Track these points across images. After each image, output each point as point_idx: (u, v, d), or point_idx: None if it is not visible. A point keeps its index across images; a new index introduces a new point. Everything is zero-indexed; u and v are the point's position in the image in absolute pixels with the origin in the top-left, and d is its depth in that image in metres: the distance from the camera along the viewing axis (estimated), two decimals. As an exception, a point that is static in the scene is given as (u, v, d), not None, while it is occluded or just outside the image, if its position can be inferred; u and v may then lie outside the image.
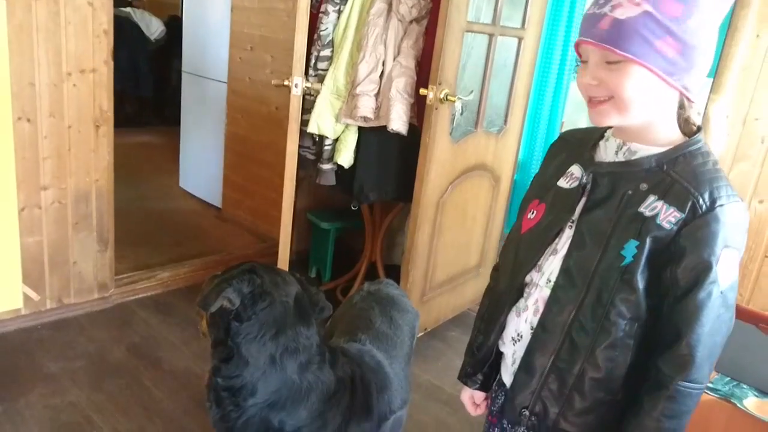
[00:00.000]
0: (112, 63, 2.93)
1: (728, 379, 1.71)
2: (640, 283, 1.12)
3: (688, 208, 1.08)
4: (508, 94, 3.16)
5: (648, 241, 1.10)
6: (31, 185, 2.77)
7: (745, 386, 1.68)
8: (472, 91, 2.83)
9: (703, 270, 1.08)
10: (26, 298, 2.78)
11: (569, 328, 1.18)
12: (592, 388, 1.17)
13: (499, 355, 1.40)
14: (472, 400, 1.49)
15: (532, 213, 1.30)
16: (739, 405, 1.59)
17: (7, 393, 2.46)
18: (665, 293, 1.12)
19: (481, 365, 1.43)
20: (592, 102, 1.14)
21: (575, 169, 1.25)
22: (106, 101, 2.95)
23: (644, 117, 1.12)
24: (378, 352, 1.80)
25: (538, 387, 1.22)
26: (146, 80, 6.62)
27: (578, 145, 1.28)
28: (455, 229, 3.12)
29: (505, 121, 3.20)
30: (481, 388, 1.46)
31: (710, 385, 1.68)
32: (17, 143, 2.64)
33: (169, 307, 3.28)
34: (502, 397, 1.44)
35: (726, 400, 1.62)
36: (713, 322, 1.09)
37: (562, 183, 1.26)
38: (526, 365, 1.24)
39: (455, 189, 2.99)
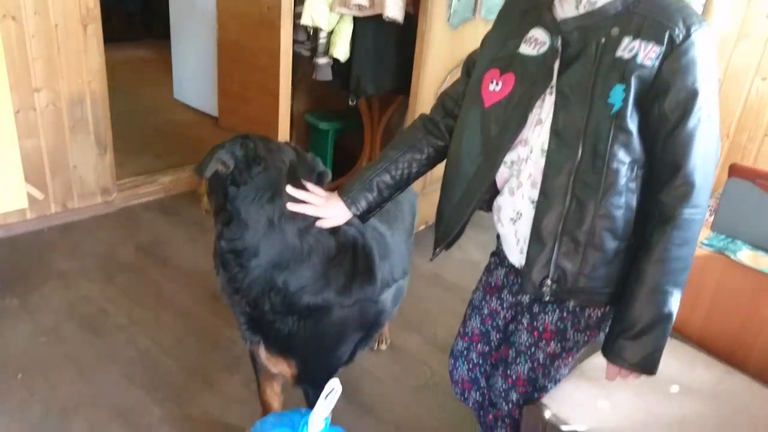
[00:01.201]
0: (94, -44, 2.82)
1: (723, 236, 1.75)
2: (632, 126, 1.14)
3: (666, 40, 1.09)
4: (506, -22, 3.05)
5: (633, 82, 1.11)
6: (23, 87, 2.73)
7: (739, 241, 1.72)
8: (469, -27, 2.73)
9: (691, 98, 1.10)
10: (31, 199, 2.80)
11: (572, 188, 1.19)
12: (605, 239, 1.20)
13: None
14: None
15: (496, 84, 1.26)
16: (732, 257, 1.64)
17: (21, 288, 2.54)
18: (656, 132, 1.14)
19: (449, 243, 1.44)
20: None
21: (539, 33, 1.22)
22: (91, -2, 2.86)
23: None
24: (380, 224, 1.83)
25: (553, 254, 1.24)
26: (132, -8, 6.39)
27: (531, 8, 1.25)
28: (454, 122, 3.10)
29: (504, 9, 3.11)
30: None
31: (705, 241, 1.72)
32: (5, 43, 2.58)
33: (173, 210, 3.32)
34: (502, 271, 1.47)
35: (720, 253, 1.66)
36: (705, 147, 1.12)
37: (527, 50, 1.23)
38: (536, 237, 1.25)
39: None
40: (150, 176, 3.48)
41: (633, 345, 1.20)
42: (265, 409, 1.85)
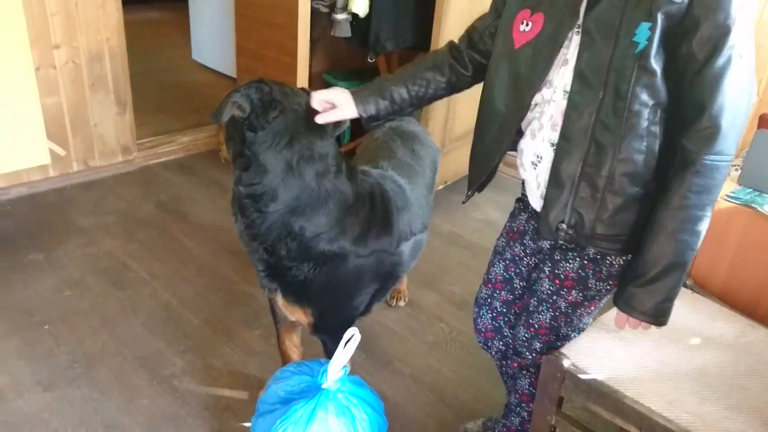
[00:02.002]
0: None
1: (750, 189, 1.71)
2: (657, 67, 1.10)
3: None
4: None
5: (660, 19, 1.07)
6: (43, 43, 2.73)
7: (766, 195, 1.67)
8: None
9: (722, 35, 1.05)
10: (54, 157, 2.84)
11: (592, 131, 1.16)
12: (624, 184, 1.17)
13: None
14: None
15: (526, 25, 1.24)
16: (759, 209, 1.60)
17: (45, 243, 2.59)
18: (683, 72, 1.10)
19: (481, 185, 1.44)
20: None
21: None
22: (108, -47, 2.83)
23: None
24: (399, 177, 1.81)
25: (570, 198, 1.22)
26: (149, -47, 6.31)
27: None
28: (475, 80, 3.04)
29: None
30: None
31: (731, 194, 1.68)
32: (23, -2, 2.57)
33: (192, 169, 3.33)
34: (525, 216, 1.46)
35: (746, 206, 1.63)
36: (734, 89, 1.07)
37: None
38: (554, 180, 1.23)
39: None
40: (169, 136, 3.49)
41: (643, 292, 1.18)
42: (285, 360, 1.87)
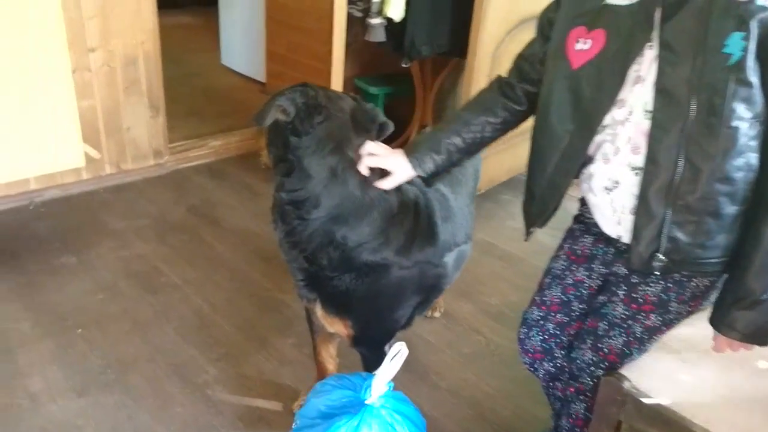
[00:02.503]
0: None
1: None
2: (754, 78, 1.03)
3: None
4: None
5: (754, 27, 1.00)
6: (79, 46, 2.73)
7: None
8: (534, -74, 2.58)
9: None
10: (87, 159, 2.82)
11: (686, 152, 1.08)
12: (723, 205, 1.10)
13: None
14: None
15: (584, 43, 1.16)
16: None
17: (78, 246, 2.58)
18: None
19: (545, 219, 1.38)
20: None
21: None
22: (144, -43, 2.83)
23: None
24: (443, 186, 1.76)
25: (664, 225, 1.13)
26: (180, -43, 6.36)
27: None
28: (511, 86, 2.98)
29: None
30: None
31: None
32: (61, 1, 2.57)
33: (223, 173, 3.31)
34: (590, 238, 1.38)
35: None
36: None
37: (618, 0, 1.12)
38: (644, 207, 1.14)
39: (513, 40, 2.81)
40: (200, 140, 3.48)
41: (748, 315, 1.11)
42: (321, 372, 1.82)
